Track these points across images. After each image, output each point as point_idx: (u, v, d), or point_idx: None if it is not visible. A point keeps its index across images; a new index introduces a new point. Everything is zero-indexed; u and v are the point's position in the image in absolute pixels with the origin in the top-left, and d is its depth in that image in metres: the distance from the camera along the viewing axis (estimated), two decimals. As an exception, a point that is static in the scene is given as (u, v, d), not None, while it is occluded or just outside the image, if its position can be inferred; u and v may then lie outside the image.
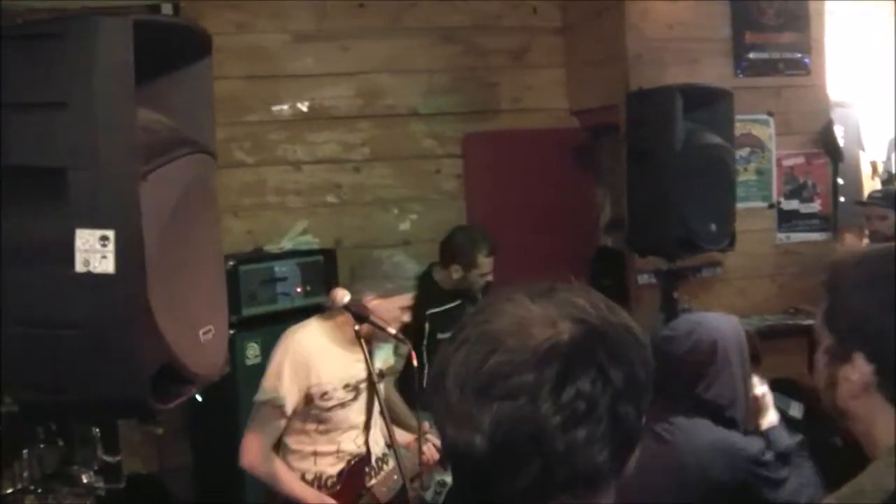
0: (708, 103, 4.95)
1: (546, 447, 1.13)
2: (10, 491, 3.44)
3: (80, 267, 1.86)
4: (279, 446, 3.80)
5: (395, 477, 3.80)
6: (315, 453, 3.79)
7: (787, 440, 3.27)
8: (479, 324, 1.21)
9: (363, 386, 3.77)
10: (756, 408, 3.30)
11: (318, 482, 3.78)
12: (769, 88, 5.72)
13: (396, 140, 6.06)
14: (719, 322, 3.30)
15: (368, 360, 3.58)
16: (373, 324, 3.45)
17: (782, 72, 5.76)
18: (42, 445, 3.64)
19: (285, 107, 5.89)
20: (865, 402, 1.68)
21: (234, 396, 4.79)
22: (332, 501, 3.74)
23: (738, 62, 5.69)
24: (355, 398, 3.77)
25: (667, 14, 5.49)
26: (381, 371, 3.85)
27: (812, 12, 5.80)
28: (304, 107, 5.92)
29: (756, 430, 3.29)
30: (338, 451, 3.80)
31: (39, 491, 3.41)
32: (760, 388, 3.33)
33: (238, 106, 5.71)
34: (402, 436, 3.97)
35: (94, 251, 1.85)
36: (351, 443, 3.80)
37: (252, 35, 5.79)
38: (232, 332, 4.50)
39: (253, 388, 4.76)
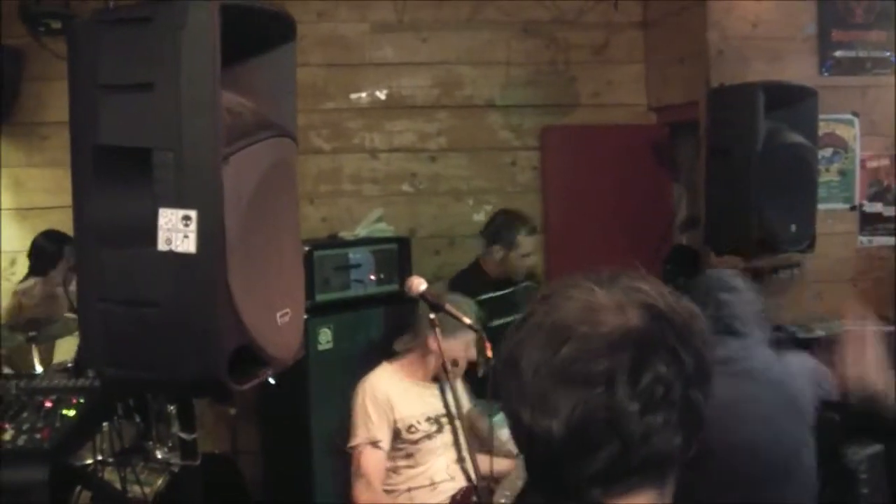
0: (791, 102, 4.85)
1: (623, 432, 1.15)
2: (89, 462, 3.53)
3: (162, 245, 1.88)
4: None
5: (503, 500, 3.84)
6: (409, 489, 3.90)
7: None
8: (549, 311, 1.22)
9: (444, 419, 3.83)
10: None
11: None
12: (855, 88, 5.59)
13: (473, 131, 6.06)
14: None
15: (449, 393, 3.61)
16: (448, 312, 3.47)
17: (869, 71, 5.62)
18: (120, 420, 3.74)
19: (363, 95, 5.93)
20: None
21: (304, 381, 4.84)
22: None
23: (824, 60, 5.57)
24: (439, 430, 3.85)
25: (751, 11, 5.40)
26: (460, 412, 3.89)
27: (902, 10, 5.66)
28: (381, 95, 5.95)
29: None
30: (432, 484, 3.88)
31: (118, 464, 3.49)
32: None
33: (317, 93, 5.77)
34: (503, 464, 3.99)
35: (177, 230, 1.88)
36: (444, 473, 3.86)
37: (332, 24, 5.84)
38: (305, 317, 4.57)
39: (324, 373, 4.85)
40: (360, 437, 3.84)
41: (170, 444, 4.26)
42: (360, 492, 3.78)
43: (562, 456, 1.17)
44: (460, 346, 3.83)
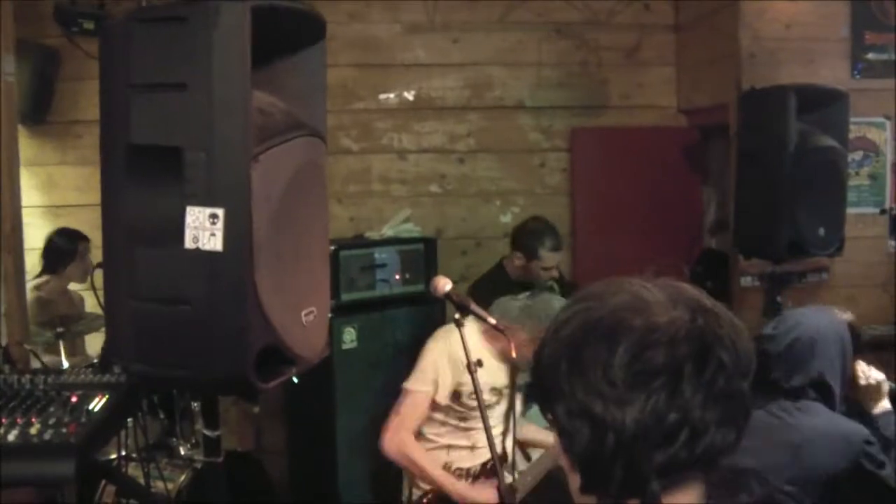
0: (823, 105, 4.82)
1: (690, 424, 1.17)
2: (114, 457, 3.56)
3: (189, 244, 1.90)
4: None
5: (529, 478, 3.89)
6: (449, 446, 3.95)
7: (893, 427, 3.32)
8: (600, 306, 1.24)
9: (506, 391, 3.84)
10: (871, 394, 3.40)
11: (447, 472, 3.90)
12: (888, 91, 5.54)
13: (502, 132, 6.06)
14: (819, 319, 3.35)
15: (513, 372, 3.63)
16: (473, 313, 3.46)
17: (902, 74, 5.58)
18: (145, 417, 3.76)
19: (392, 95, 5.94)
20: None
21: (329, 380, 4.86)
22: (467, 488, 3.86)
23: (856, 63, 5.52)
24: (498, 402, 3.86)
25: (784, 13, 5.36)
26: (521, 385, 3.92)
27: (936, 13, 5.60)
28: (410, 96, 5.96)
29: (866, 414, 3.37)
30: (473, 447, 3.92)
31: (142, 459, 3.52)
32: (877, 375, 3.42)
33: (346, 94, 5.79)
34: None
35: (204, 228, 1.89)
36: (486, 441, 3.87)
37: (363, 24, 5.86)
38: (330, 316, 4.59)
39: (348, 372, 4.86)
40: (419, 384, 3.85)
41: (193, 441, 4.30)
42: (391, 429, 3.84)
43: (631, 448, 1.18)
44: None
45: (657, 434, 1.17)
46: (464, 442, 3.95)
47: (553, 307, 3.80)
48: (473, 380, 3.29)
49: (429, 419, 3.92)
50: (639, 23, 6.16)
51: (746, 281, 5.28)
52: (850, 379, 3.35)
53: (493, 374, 3.86)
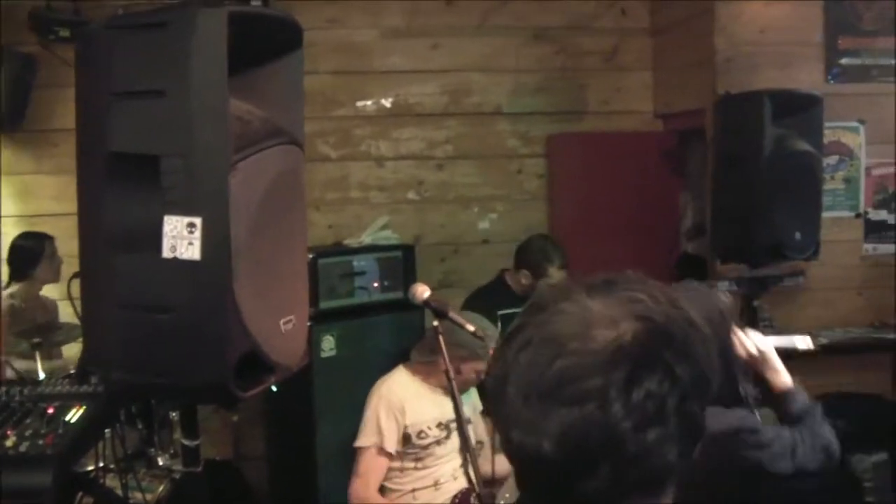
0: (798, 109, 4.86)
1: (618, 450, 1.12)
2: (90, 468, 3.53)
3: (167, 253, 1.89)
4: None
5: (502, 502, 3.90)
6: (413, 490, 4.02)
7: (801, 403, 3.09)
8: (540, 325, 1.19)
9: (453, 425, 3.89)
10: (756, 364, 3.11)
11: None
12: (861, 95, 5.58)
13: (481, 138, 6.07)
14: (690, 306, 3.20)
15: (456, 398, 3.63)
16: (451, 320, 3.48)
17: (875, 78, 5.62)
18: (123, 427, 3.73)
19: (370, 102, 5.94)
20: None
21: (308, 388, 4.85)
22: None
23: (830, 68, 5.56)
24: (448, 436, 3.91)
25: (759, 17, 5.40)
26: (468, 418, 3.94)
27: (911, 17, 5.65)
28: (388, 103, 5.95)
29: (771, 392, 3.11)
30: (436, 485, 3.96)
31: (120, 470, 3.49)
32: (755, 343, 3.11)
33: (324, 100, 5.79)
34: (504, 466, 4.03)
35: (182, 237, 1.88)
36: (449, 476, 3.93)
37: (342, 31, 5.85)
38: (309, 324, 4.57)
39: (328, 380, 4.85)
40: (367, 439, 3.96)
41: (172, 451, 4.27)
42: (357, 490, 3.96)
43: (555, 476, 1.14)
44: (469, 368, 3.88)
45: (581, 462, 1.12)
46: (427, 482, 4.01)
47: None
48: (450, 380, 3.30)
49: (388, 471, 4.00)
50: (616, 28, 6.18)
51: (723, 285, 5.29)
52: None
53: (437, 408, 3.90)
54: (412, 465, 3.99)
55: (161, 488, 4.10)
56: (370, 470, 3.96)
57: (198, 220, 1.88)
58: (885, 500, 4.06)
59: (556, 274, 4.97)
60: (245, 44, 2.00)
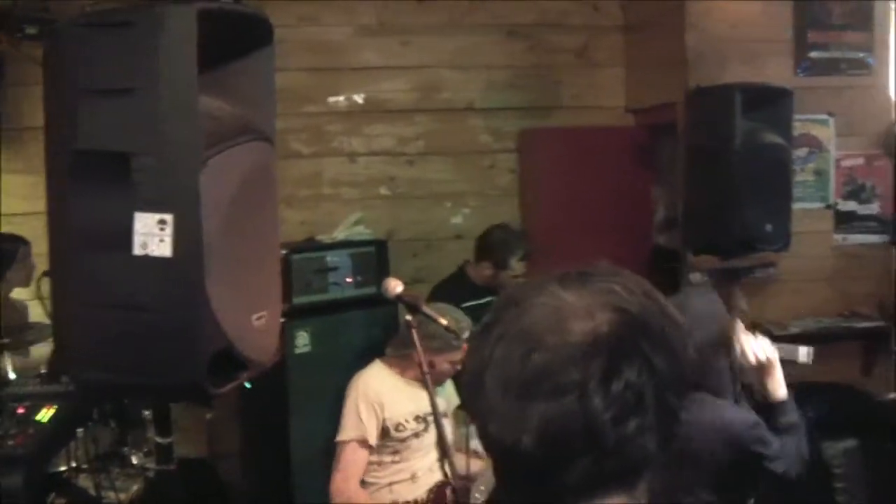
0: (768, 102, 4.89)
1: (597, 442, 1.12)
2: (63, 469, 3.51)
3: (138, 250, 1.88)
4: None
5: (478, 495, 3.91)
6: (391, 484, 4.01)
7: (790, 417, 3.27)
8: (514, 319, 1.18)
9: (431, 418, 3.89)
10: (761, 372, 3.30)
11: None
12: (830, 88, 5.63)
13: (452, 134, 6.07)
14: (694, 304, 3.31)
15: (431, 393, 3.65)
16: (424, 314, 3.49)
17: (844, 72, 5.67)
18: (95, 426, 3.71)
19: (341, 99, 5.93)
20: None
21: (283, 384, 4.83)
22: None
23: (800, 61, 5.61)
24: (426, 429, 3.92)
25: (730, 13, 5.43)
26: (444, 411, 3.96)
27: (878, 11, 5.69)
28: (360, 99, 5.95)
29: (765, 399, 3.32)
30: (413, 478, 3.97)
31: (93, 470, 3.47)
32: (760, 349, 3.29)
33: (297, 97, 5.77)
34: (478, 462, 4.04)
35: (153, 234, 1.88)
36: (427, 470, 3.94)
37: (314, 28, 5.84)
38: (282, 320, 4.55)
39: (302, 376, 4.84)
40: (347, 433, 3.97)
41: (146, 450, 4.25)
42: (338, 484, 3.96)
43: (534, 469, 1.14)
44: (443, 360, 3.89)
45: (561, 455, 1.12)
46: (403, 475, 4.03)
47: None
48: (424, 374, 3.32)
49: (366, 464, 4.01)
50: (588, 24, 6.20)
51: (696, 277, 5.33)
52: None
53: (414, 401, 3.91)
54: (390, 458, 4.00)
55: (135, 487, 4.08)
56: (351, 464, 3.96)
57: (169, 217, 1.87)
58: (854, 485, 4.12)
59: (517, 265, 4.98)
60: (215, 40, 1.99)
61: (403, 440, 3.95)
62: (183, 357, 1.92)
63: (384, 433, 3.94)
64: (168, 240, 1.87)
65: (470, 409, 1.22)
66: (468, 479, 3.87)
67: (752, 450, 3.18)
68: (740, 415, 3.25)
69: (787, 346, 3.59)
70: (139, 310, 1.91)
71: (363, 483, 4.02)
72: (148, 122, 1.88)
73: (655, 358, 1.15)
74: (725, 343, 3.27)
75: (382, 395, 3.95)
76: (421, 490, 4.00)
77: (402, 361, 3.94)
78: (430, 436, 3.96)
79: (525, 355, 1.14)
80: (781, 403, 3.31)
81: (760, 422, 3.23)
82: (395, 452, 3.98)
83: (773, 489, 3.38)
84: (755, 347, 3.30)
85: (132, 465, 4.25)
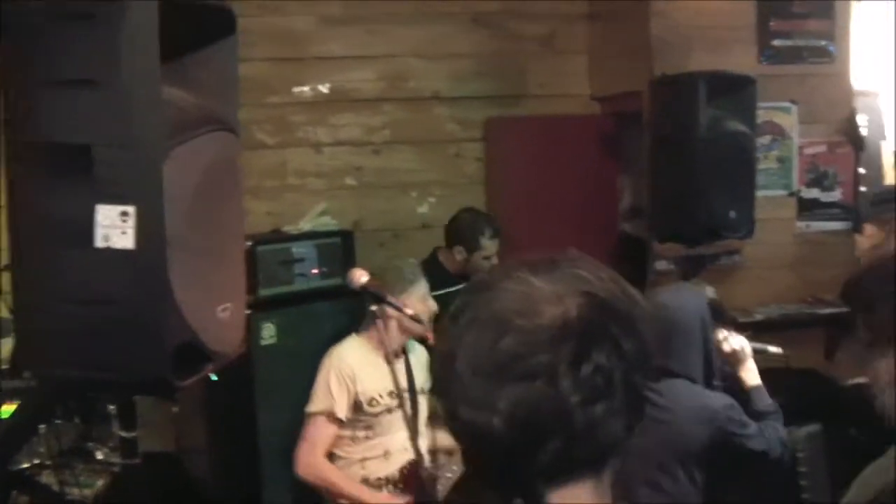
0: (732, 90, 4.92)
1: (567, 424, 1.14)
2: (26, 466, 3.47)
3: (100, 242, 1.87)
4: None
5: (449, 475, 3.92)
6: (363, 459, 4.00)
7: (765, 402, 3.55)
8: (485, 303, 1.20)
9: (406, 395, 3.89)
10: (734, 361, 3.62)
11: (367, 485, 3.96)
12: (793, 76, 5.67)
13: (418, 123, 6.05)
14: (678, 299, 3.57)
15: (409, 369, 3.65)
16: (390, 304, 3.49)
17: (806, 59, 5.71)
18: (59, 422, 3.68)
19: (306, 89, 5.90)
20: None
21: (249, 376, 4.80)
22: (389, 498, 3.91)
23: (763, 49, 5.64)
24: (400, 405, 3.90)
25: (693, 1, 5.45)
26: (421, 388, 3.95)
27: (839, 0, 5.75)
28: (325, 89, 5.92)
29: (740, 387, 3.60)
30: (385, 454, 3.95)
31: (56, 466, 3.44)
32: (736, 341, 3.62)
33: (260, 87, 5.72)
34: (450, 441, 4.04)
35: (115, 227, 1.86)
36: (400, 447, 3.92)
37: (278, 17, 5.79)
38: (248, 312, 4.52)
39: (269, 368, 4.82)
40: (318, 405, 3.96)
41: (111, 445, 4.21)
42: (303, 455, 3.96)
43: (504, 452, 1.16)
44: (415, 300, 3.87)
45: (531, 438, 1.14)
46: (376, 451, 4.01)
47: None
48: (389, 362, 3.33)
49: (338, 440, 3.98)
50: (553, 13, 6.19)
51: (662, 265, 5.37)
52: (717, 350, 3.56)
53: (388, 375, 3.90)
54: (363, 433, 3.98)
55: (100, 483, 4.05)
56: (319, 437, 3.95)
57: (131, 209, 1.86)
58: (818, 469, 4.17)
59: (488, 245, 4.98)
60: (178, 31, 1.98)
61: (376, 415, 3.93)
62: (147, 350, 1.91)
63: (356, 407, 3.91)
64: (130, 232, 1.86)
65: (441, 392, 1.23)
66: (446, 453, 3.88)
67: (730, 430, 3.34)
68: (717, 397, 3.41)
69: (758, 344, 3.84)
70: (102, 303, 1.89)
71: (335, 457, 4.00)
72: (110, 114, 1.87)
73: (624, 341, 1.17)
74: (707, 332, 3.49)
75: (356, 368, 3.92)
76: (393, 467, 3.99)
77: (378, 336, 3.89)
78: (404, 412, 3.95)
79: (496, 339, 1.15)
80: (755, 390, 3.56)
81: (736, 404, 3.40)
82: (368, 428, 3.96)
83: (755, 471, 3.50)
84: (728, 338, 3.59)
85: (97, 460, 4.21)
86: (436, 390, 1.24)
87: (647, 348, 1.20)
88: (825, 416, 4.46)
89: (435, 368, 1.25)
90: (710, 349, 3.49)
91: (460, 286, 4.72)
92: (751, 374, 3.60)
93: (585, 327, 1.15)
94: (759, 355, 3.78)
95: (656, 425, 3.21)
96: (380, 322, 3.50)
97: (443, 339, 1.23)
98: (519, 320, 1.16)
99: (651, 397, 3.24)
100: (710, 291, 3.66)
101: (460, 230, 5.07)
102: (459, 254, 5.02)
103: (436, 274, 4.88)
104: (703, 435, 3.31)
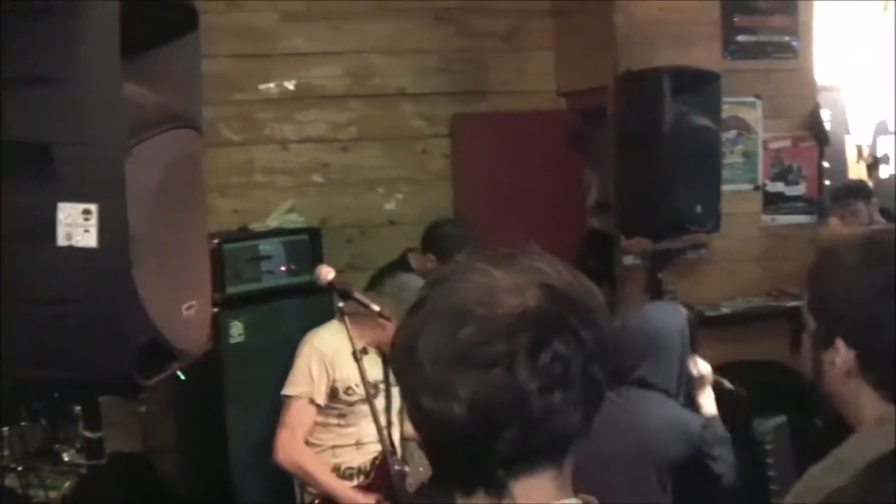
0: (696, 86, 4.95)
1: (525, 412, 1.15)
2: (-11, 469, 3.43)
3: (62, 241, 1.85)
4: None
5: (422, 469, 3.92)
6: (335, 447, 3.97)
7: (720, 430, 3.57)
8: (445, 294, 1.21)
9: (382, 386, 3.87)
10: (698, 385, 3.65)
11: (338, 474, 3.94)
12: (757, 72, 5.72)
13: (385, 120, 6.04)
14: (663, 314, 3.63)
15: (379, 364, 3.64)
16: (357, 300, 3.48)
17: (771, 55, 5.76)
18: (25, 424, 3.64)
19: (272, 85, 5.87)
20: (850, 385, 1.71)
21: (218, 375, 4.79)
22: (359, 496, 3.87)
23: (727, 45, 5.68)
24: (376, 395, 3.88)
25: (658, -3, 5.49)
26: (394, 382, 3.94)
27: (802, -4, 5.80)
28: (291, 85, 5.89)
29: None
30: (357, 444, 3.94)
31: (22, 469, 3.40)
32: (704, 367, 3.66)
33: (226, 85, 5.69)
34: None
35: (77, 225, 1.84)
36: (372, 437, 3.91)
37: (241, 14, 5.75)
38: (216, 310, 4.52)
39: (237, 366, 4.81)
40: (298, 388, 3.91)
41: (78, 446, 4.17)
42: (284, 440, 3.89)
43: (465, 440, 1.17)
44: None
45: (489, 425, 1.16)
46: (348, 441, 3.98)
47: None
48: (360, 367, 3.31)
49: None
50: (518, 8, 6.20)
51: (629, 259, 5.40)
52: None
53: (366, 365, 3.88)
54: (335, 421, 3.95)
55: (67, 484, 4.01)
56: (299, 421, 3.90)
57: (93, 207, 1.84)
58: (784, 460, 4.21)
59: None
60: (139, 27, 1.96)
61: (351, 404, 3.90)
62: (111, 349, 1.90)
63: (332, 394, 3.88)
64: (93, 230, 1.84)
65: (402, 382, 1.25)
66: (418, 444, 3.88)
67: (704, 450, 3.39)
68: (693, 415, 3.48)
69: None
70: (65, 302, 1.88)
71: (308, 443, 3.97)
72: (70, 112, 1.85)
73: (582, 331, 1.19)
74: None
75: (336, 355, 3.86)
76: (366, 458, 3.96)
77: (360, 325, 3.87)
78: (379, 403, 3.93)
79: (455, 328, 1.17)
80: (713, 419, 3.59)
81: (708, 425, 3.47)
82: (342, 416, 3.93)
83: (710, 493, 3.61)
84: (695, 362, 3.62)
85: (64, 462, 4.17)
86: (397, 381, 1.25)
87: (605, 340, 1.22)
88: (791, 408, 4.50)
89: (396, 359, 1.26)
90: (685, 368, 3.53)
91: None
92: (709, 402, 3.65)
93: (544, 316, 1.17)
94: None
95: (632, 434, 3.25)
96: (347, 319, 3.48)
97: (403, 329, 1.24)
98: (478, 310, 1.17)
99: (625, 405, 3.31)
100: (685, 312, 3.72)
101: (438, 241, 5.06)
102: (430, 262, 5.02)
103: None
104: (678, 449, 3.35)
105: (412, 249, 5.20)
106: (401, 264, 5.12)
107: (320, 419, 3.95)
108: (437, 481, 3.95)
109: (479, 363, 1.15)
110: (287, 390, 3.93)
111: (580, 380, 1.18)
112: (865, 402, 1.71)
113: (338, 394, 3.90)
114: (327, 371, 3.88)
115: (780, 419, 4.42)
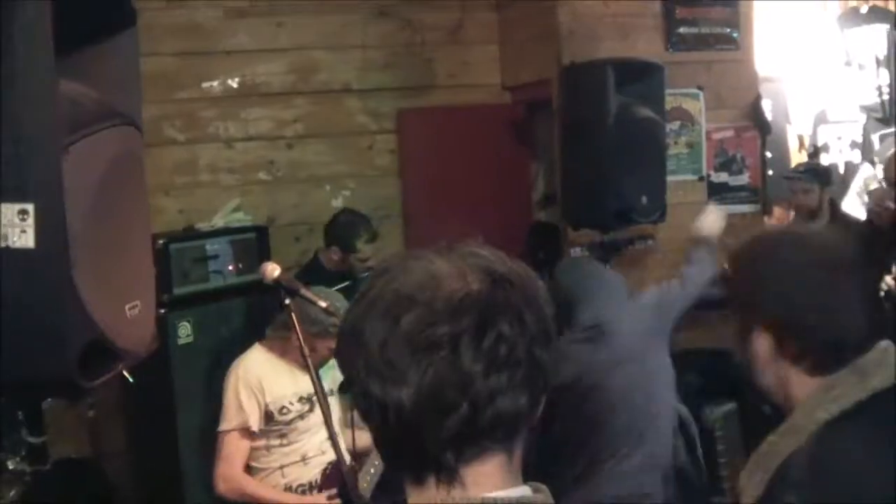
0: (640, 77, 4.99)
1: (470, 393, 1.17)
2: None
3: (-2, 242, 1.82)
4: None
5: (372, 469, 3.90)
6: (281, 467, 3.97)
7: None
8: (388, 282, 1.23)
9: (315, 399, 3.87)
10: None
11: (290, 492, 3.94)
12: (699, 63, 5.77)
13: (330, 116, 6.02)
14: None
15: (312, 373, 3.61)
16: (303, 297, 3.46)
17: (712, 46, 5.81)
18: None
19: (215, 83, 5.82)
20: (775, 370, 1.79)
21: (167, 376, 4.75)
22: (308, 497, 3.90)
23: (669, 37, 5.72)
24: (311, 409, 3.89)
25: (600, -11, 5.51)
26: (330, 389, 3.92)
27: (742, -13, 5.86)
28: (234, 83, 5.85)
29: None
30: (303, 459, 3.94)
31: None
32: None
33: (169, 83, 5.63)
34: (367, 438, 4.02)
35: (13, 225, 1.81)
36: (317, 450, 3.91)
37: (183, 11, 5.70)
38: (163, 311, 4.48)
39: (186, 367, 4.78)
40: (230, 423, 3.91)
41: (23, 453, 4.11)
42: (222, 472, 3.91)
43: (414, 424, 1.18)
44: (323, 345, 3.83)
45: (437, 408, 1.17)
46: (293, 458, 3.98)
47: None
48: (311, 375, 3.31)
49: (253, 451, 3.95)
50: (460, 2, 6.20)
51: (576, 251, 5.42)
52: None
53: (296, 383, 3.90)
54: (277, 441, 3.96)
55: (13, 492, 3.94)
56: (234, 453, 3.91)
57: (30, 207, 1.81)
58: (734, 447, 4.28)
59: (364, 247, 5.00)
60: (74, 23, 1.93)
61: (289, 423, 3.92)
62: (51, 351, 1.86)
63: (268, 417, 3.89)
64: (30, 231, 1.81)
65: (349, 371, 1.25)
66: (358, 455, 3.86)
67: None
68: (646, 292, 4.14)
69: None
70: (4, 304, 1.84)
71: (253, 469, 3.98)
72: (3, 110, 1.81)
73: (526, 314, 1.21)
74: None
75: (263, 379, 3.90)
76: (314, 471, 3.97)
77: (282, 344, 3.89)
78: (316, 416, 3.92)
79: (401, 313, 1.19)
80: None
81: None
82: (283, 436, 3.94)
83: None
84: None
85: (9, 470, 4.10)
86: (343, 371, 1.25)
87: (548, 325, 1.24)
88: (740, 396, 4.56)
89: (342, 349, 1.26)
90: None
91: (343, 284, 4.74)
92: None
93: (487, 299, 1.19)
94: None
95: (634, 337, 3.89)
96: (293, 317, 3.45)
97: (348, 319, 1.26)
98: (421, 295, 1.19)
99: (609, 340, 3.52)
100: None
101: (337, 231, 5.09)
102: (335, 254, 5.03)
103: (316, 274, 4.88)
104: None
105: (321, 248, 5.21)
106: (312, 264, 5.14)
107: (261, 443, 3.95)
108: (389, 475, 3.96)
109: (424, 347, 1.17)
110: (221, 426, 3.94)
111: (525, 362, 1.19)
112: (792, 381, 1.80)
113: (273, 416, 3.91)
114: (256, 397, 3.89)
115: (730, 406, 4.48)
